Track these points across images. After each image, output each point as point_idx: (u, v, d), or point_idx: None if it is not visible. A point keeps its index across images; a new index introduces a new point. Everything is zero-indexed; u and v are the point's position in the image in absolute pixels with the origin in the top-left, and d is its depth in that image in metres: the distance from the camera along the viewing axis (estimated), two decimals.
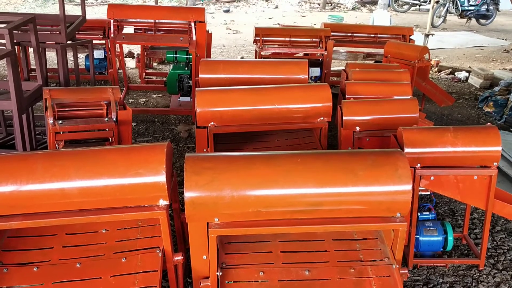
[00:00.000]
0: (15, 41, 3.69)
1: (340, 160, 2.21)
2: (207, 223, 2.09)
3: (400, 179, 2.12)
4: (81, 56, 7.46)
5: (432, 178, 2.80)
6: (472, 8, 13.68)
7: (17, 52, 4.51)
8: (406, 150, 2.73)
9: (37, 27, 3.84)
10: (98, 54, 6.44)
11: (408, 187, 2.11)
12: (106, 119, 3.24)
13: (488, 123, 3.15)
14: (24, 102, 3.46)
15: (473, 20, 13.99)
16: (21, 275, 2.17)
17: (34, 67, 3.88)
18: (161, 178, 2.12)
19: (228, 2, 16.96)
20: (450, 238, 2.99)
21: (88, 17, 5.24)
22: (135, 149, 2.31)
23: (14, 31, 3.46)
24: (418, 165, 2.76)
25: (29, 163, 2.16)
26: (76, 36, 5.85)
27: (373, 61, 7.31)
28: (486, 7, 13.74)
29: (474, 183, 2.80)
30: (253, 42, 6.02)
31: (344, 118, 3.36)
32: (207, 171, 2.07)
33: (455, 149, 2.74)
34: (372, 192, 2.13)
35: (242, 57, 9.03)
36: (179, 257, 2.27)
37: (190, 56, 5.41)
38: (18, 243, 2.31)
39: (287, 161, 2.17)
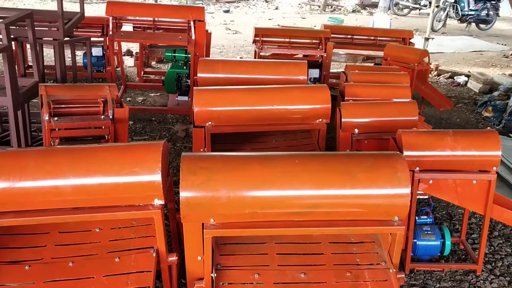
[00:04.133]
0: (12, 36, 3.65)
1: (338, 162, 2.18)
2: (202, 224, 2.06)
3: (399, 182, 2.09)
4: (80, 53, 7.41)
5: (430, 181, 2.77)
6: (472, 13, 13.67)
7: (14, 48, 4.48)
8: (405, 153, 2.70)
9: (35, 23, 3.81)
10: (97, 51, 6.40)
11: (407, 190, 2.09)
12: (102, 116, 3.21)
13: (488, 127, 3.13)
14: (20, 98, 3.42)
15: (473, 24, 13.98)
16: (12, 273, 2.13)
17: (31, 63, 3.84)
18: (157, 177, 2.09)
19: (228, 2, 16.93)
20: (448, 242, 2.97)
21: (87, 14, 5.20)
22: (131, 147, 2.29)
23: (11, 27, 3.42)
24: (417, 168, 2.73)
25: (22, 160, 2.14)
26: (75, 33, 5.81)
27: (373, 64, 7.29)
28: (486, 12, 13.73)
29: (473, 188, 2.77)
30: (253, 43, 5.99)
31: (342, 120, 3.33)
32: (203, 170, 2.04)
33: (454, 153, 2.72)
34: (370, 195, 2.10)
35: (241, 57, 9.00)
36: (173, 258, 2.24)
37: (189, 55, 5.38)
38: (10, 241, 2.28)
39: (284, 162, 2.14)
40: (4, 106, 3.57)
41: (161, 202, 2.13)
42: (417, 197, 2.90)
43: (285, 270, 2.24)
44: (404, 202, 2.10)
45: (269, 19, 14.22)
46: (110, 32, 5.24)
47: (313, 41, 6.08)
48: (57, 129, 3.15)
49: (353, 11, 16.68)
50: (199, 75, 3.77)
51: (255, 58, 5.97)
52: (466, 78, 7.90)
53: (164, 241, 2.20)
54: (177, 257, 2.25)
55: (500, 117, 6.02)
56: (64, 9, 4.28)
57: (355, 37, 6.72)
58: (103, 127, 3.21)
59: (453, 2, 13.53)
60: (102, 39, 6.32)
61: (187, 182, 2.00)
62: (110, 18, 5.22)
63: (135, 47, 8.45)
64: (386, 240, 2.31)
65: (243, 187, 2.04)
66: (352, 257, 2.33)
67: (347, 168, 2.13)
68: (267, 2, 17.63)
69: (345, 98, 3.87)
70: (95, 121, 3.20)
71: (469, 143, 2.73)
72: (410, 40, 6.63)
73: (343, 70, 4.71)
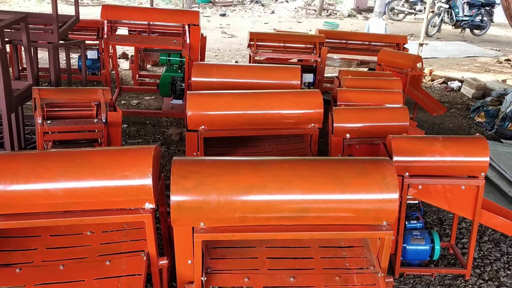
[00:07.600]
0: (6, 39, 3.66)
1: (327, 167, 2.20)
2: (193, 228, 2.08)
3: (387, 188, 2.12)
4: (76, 55, 7.42)
5: (420, 187, 2.80)
6: (467, 18, 13.77)
7: (9, 51, 4.49)
8: (395, 158, 2.73)
9: (30, 26, 3.82)
10: (92, 54, 6.40)
11: (395, 195, 2.12)
12: (95, 120, 3.23)
13: (477, 134, 3.16)
14: (13, 101, 3.43)
15: (467, 30, 14.08)
16: (2, 276, 2.14)
17: (26, 66, 3.86)
18: (148, 181, 2.11)
19: (225, 6, 16.98)
20: (437, 247, 2.99)
21: (83, 17, 5.22)
22: (122, 151, 2.30)
23: (5, 30, 3.44)
24: (406, 173, 2.76)
25: (14, 163, 2.15)
26: (70, 36, 5.83)
27: (367, 69, 7.33)
28: (481, 18, 13.84)
29: (461, 193, 2.80)
30: (248, 47, 6.02)
31: (334, 125, 3.36)
32: (194, 175, 2.06)
33: (444, 159, 2.75)
34: (359, 200, 2.13)
35: (236, 61, 9.03)
36: (164, 261, 2.25)
37: (184, 59, 5.40)
38: (1, 244, 2.28)
39: (274, 167, 2.16)
40: None
41: (152, 206, 2.15)
42: (407, 202, 2.92)
43: (275, 274, 2.26)
44: (393, 207, 2.13)
45: (265, 23, 14.27)
46: (105, 36, 5.26)
47: (308, 45, 6.11)
48: (50, 132, 3.16)
49: (349, 16, 16.76)
50: (193, 79, 3.79)
51: (250, 62, 5.99)
52: (459, 84, 7.95)
53: (154, 245, 2.21)
54: (167, 261, 2.26)
55: (492, 123, 6.07)
56: (60, 12, 4.30)
57: (349, 42, 6.77)
58: (96, 130, 3.23)
59: (448, 8, 13.63)
60: (98, 42, 6.34)
61: (177, 186, 2.02)
62: (105, 22, 5.24)
63: (130, 50, 8.45)
64: (375, 244, 2.33)
65: (234, 191, 2.06)
66: (341, 261, 2.35)
67: (336, 173, 2.16)
68: (263, 6, 17.69)
69: (338, 103, 3.90)
70: (88, 124, 3.22)
71: (458, 149, 2.76)
72: (404, 46, 6.68)
73: (337, 75, 4.74)
